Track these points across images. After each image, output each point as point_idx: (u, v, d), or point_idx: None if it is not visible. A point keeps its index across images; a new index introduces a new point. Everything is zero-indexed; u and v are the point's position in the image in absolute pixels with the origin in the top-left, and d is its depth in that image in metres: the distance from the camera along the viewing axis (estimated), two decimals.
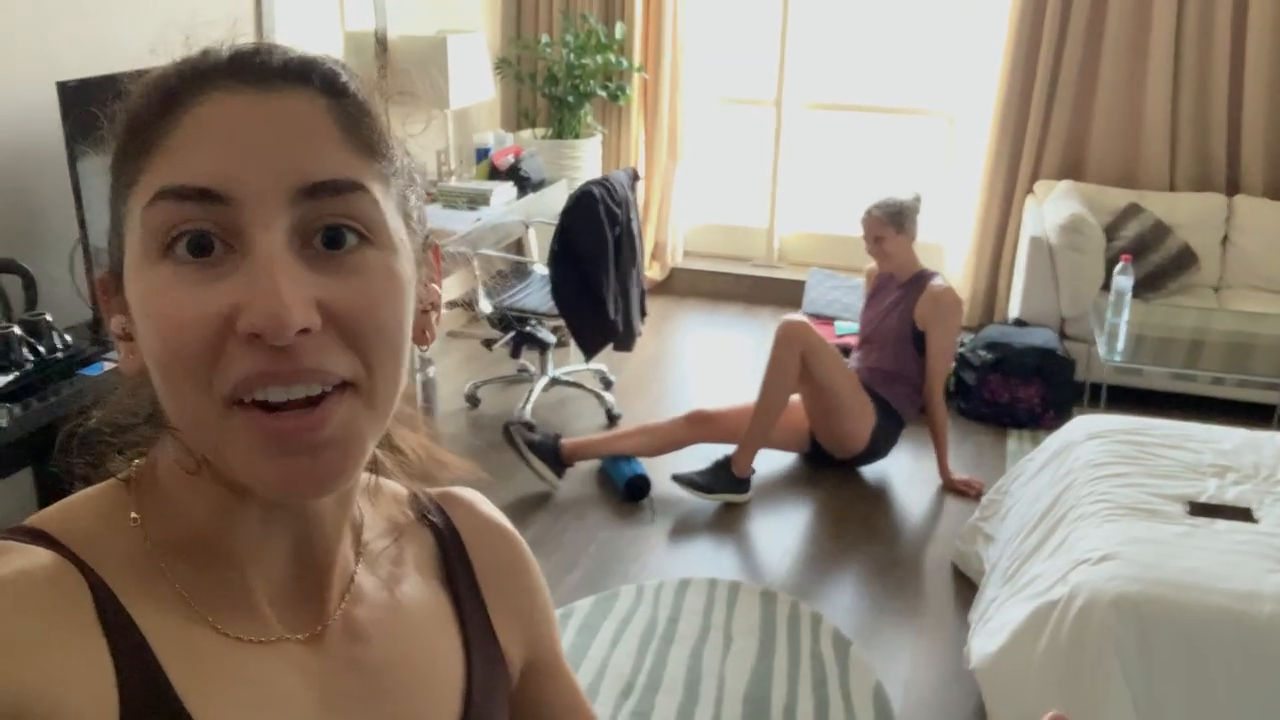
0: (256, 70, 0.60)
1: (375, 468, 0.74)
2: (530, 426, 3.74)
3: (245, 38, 0.63)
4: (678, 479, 3.59)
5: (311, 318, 0.56)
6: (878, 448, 3.77)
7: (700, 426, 3.72)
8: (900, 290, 3.77)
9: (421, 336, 0.68)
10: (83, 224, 2.65)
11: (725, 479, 3.60)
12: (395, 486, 0.78)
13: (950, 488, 3.74)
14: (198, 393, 0.57)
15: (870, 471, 3.83)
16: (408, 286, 0.63)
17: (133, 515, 0.64)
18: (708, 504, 3.58)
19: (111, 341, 0.65)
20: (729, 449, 3.67)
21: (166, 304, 0.57)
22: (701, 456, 3.71)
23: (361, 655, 0.70)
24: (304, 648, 0.67)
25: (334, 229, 0.59)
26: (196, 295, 0.56)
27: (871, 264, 3.92)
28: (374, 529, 0.75)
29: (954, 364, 4.43)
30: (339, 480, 0.60)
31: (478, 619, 0.79)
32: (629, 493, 3.60)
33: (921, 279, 3.73)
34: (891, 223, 3.70)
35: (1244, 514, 2.58)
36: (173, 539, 0.64)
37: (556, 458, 3.61)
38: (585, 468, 3.76)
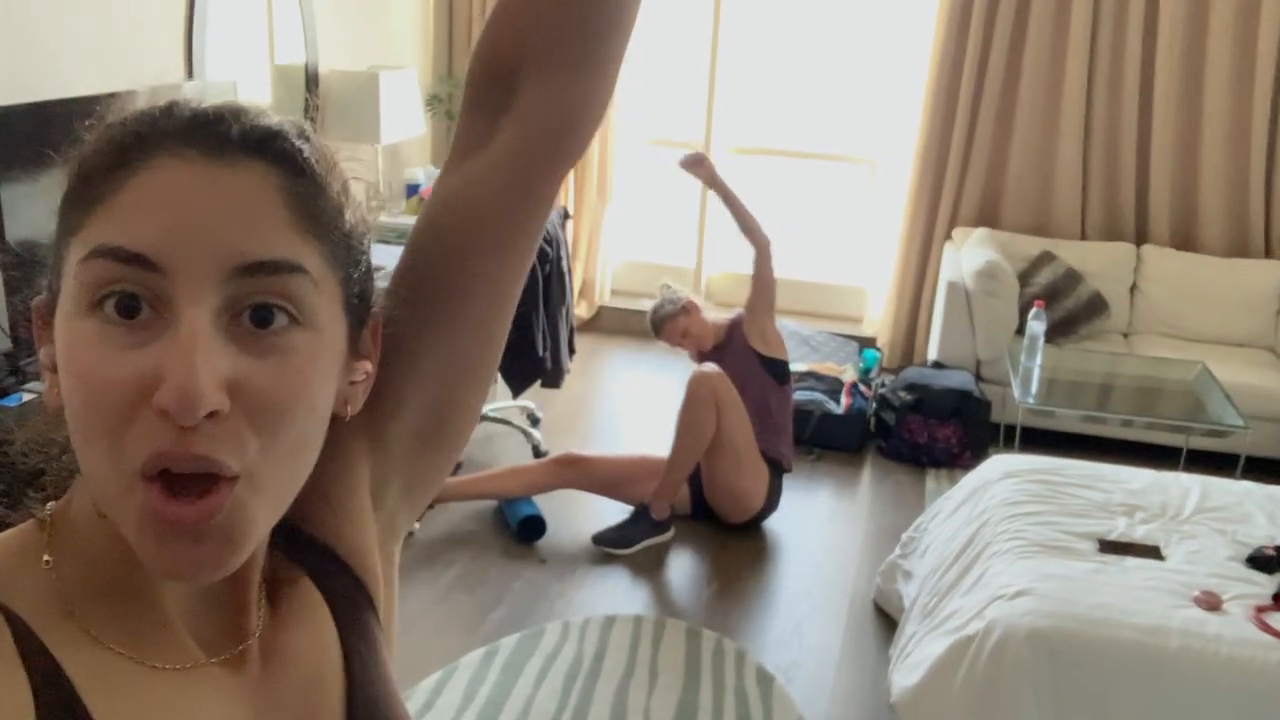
0: (214, 139, 0.60)
1: None
2: None
3: (209, 97, 0.63)
4: (597, 540, 3.54)
5: (220, 400, 0.56)
6: (772, 505, 3.73)
7: (569, 470, 3.67)
8: (722, 343, 3.81)
9: (344, 408, 0.68)
10: (4, 253, 2.60)
11: (645, 526, 3.59)
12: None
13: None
14: (108, 459, 0.57)
15: (793, 510, 3.89)
16: (329, 371, 0.63)
17: (46, 558, 0.64)
18: None
19: (39, 371, 0.65)
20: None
21: (89, 362, 0.57)
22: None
23: (274, 671, 0.71)
24: (225, 670, 0.68)
25: (264, 307, 0.59)
26: (118, 358, 0.57)
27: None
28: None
29: (873, 405, 4.52)
30: (220, 568, 0.60)
31: (331, 577, 0.77)
32: (522, 533, 3.55)
33: (734, 324, 3.80)
34: (681, 313, 3.80)
35: (1152, 551, 2.67)
36: (86, 580, 0.64)
37: None
38: (485, 507, 3.74)
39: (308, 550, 0.77)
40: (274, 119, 0.63)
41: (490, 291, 0.79)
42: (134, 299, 0.57)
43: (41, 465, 0.68)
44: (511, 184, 0.78)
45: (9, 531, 0.66)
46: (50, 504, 0.67)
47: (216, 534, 0.58)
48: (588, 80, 0.78)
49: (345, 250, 0.65)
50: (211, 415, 0.56)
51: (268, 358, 0.59)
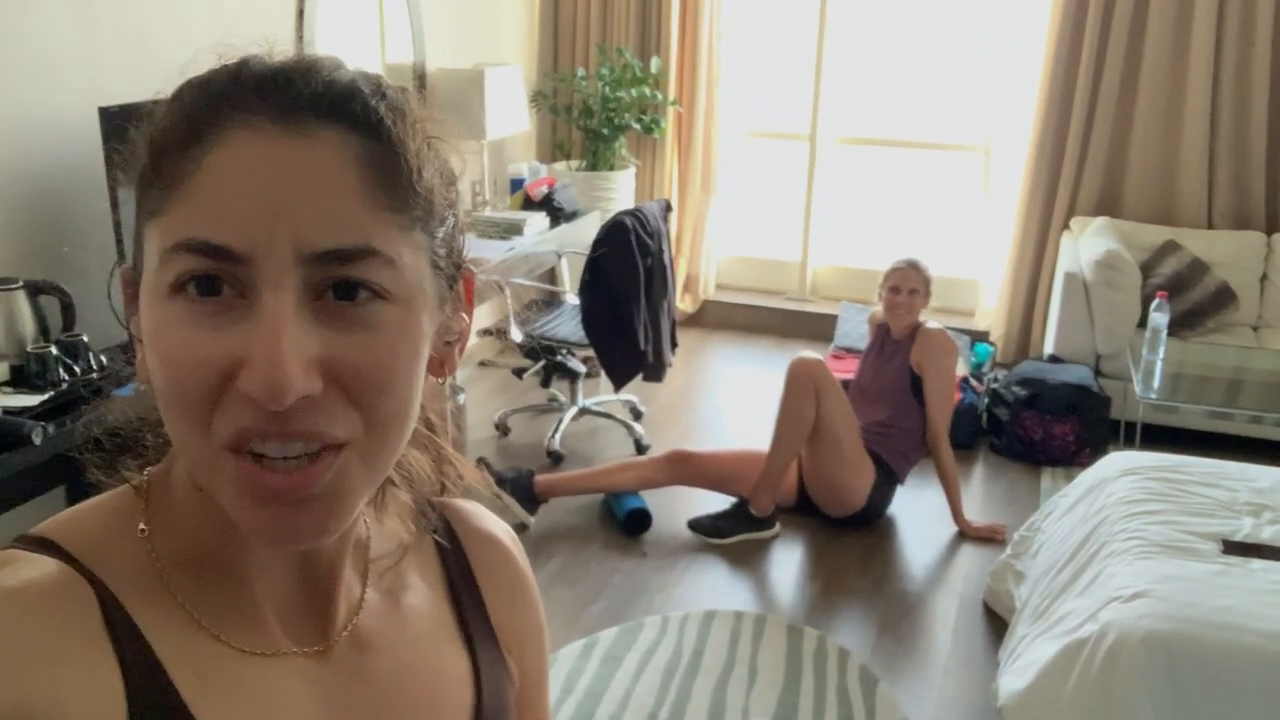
0: (285, 103, 0.58)
1: (382, 484, 0.72)
2: (509, 477, 3.63)
3: (282, 51, 0.61)
4: (692, 525, 3.55)
5: (311, 384, 0.55)
6: (876, 507, 3.65)
7: (679, 467, 3.64)
8: (896, 343, 3.71)
9: (440, 370, 0.67)
10: (120, 247, 2.70)
11: (744, 520, 3.56)
12: (401, 497, 0.77)
13: (971, 536, 3.63)
14: (195, 433, 0.57)
15: (901, 507, 3.80)
16: (421, 341, 0.61)
17: (141, 527, 0.64)
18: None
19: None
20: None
21: (172, 343, 0.57)
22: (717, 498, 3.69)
23: (369, 668, 0.70)
24: (312, 661, 0.67)
25: (346, 283, 0.58)
26: (202, 339, 0.56)
27: (876, 310, 3.82)
28: (379, 542, 0.75)
29: (986, 400, 4.40)
30: (323, 534, 0.59)
31: (482, 628, 0.78)
32: (629, 526, 3.56)
33: (917, 329, 3.67)
34: (927, 283, 3.66)
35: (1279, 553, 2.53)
36: (180, 551, 0.64)
37: (529, 494, 3.56)
38: (588, 501, 3.73)
39: (462, 584, 0.79)
40: (348, 74, 0.61)
41: None
42: (215, 281, 0.56)
43: (138, 434, 0.68)
44: None
45: (102, 497, 0.66)
46: (148, 470, 0.67)
47: (318, 501, 0.58)
48: None
49: (428, 210, 0.62)
50: (304, 399, 0.55)
51: (356, 332, 0.57)
